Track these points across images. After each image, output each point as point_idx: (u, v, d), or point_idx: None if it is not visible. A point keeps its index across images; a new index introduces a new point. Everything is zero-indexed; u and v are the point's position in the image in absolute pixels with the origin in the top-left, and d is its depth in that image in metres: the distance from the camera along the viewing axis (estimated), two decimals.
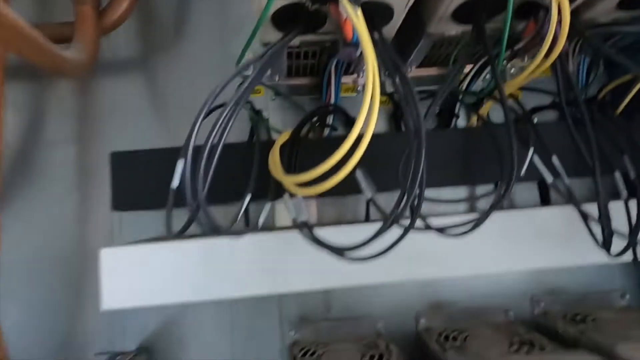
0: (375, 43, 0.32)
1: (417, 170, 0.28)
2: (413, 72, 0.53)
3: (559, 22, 0.31)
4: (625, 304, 0.52)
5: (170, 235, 0.29)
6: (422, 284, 0.52)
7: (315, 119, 0.46)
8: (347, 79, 0.54)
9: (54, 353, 0.49)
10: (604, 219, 0.34)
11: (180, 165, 0.33)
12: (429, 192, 0.47)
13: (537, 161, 0.36)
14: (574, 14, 0.39)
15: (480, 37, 0.35)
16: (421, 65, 0.52)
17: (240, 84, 0.43)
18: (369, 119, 0.28)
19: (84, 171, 0.52)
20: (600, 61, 0.53)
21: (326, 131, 0.50)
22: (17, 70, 0.53)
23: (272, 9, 0.31)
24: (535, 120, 0.54)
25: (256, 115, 0.47)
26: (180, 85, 0.55)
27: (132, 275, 0.39)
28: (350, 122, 0.52)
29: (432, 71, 0.54)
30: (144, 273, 0.39)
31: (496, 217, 0.41)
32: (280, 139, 0.40)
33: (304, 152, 0.40)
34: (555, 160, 0.37)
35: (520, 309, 0.52)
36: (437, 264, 0.40)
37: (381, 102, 0.55)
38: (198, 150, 0.28)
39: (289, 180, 0.32)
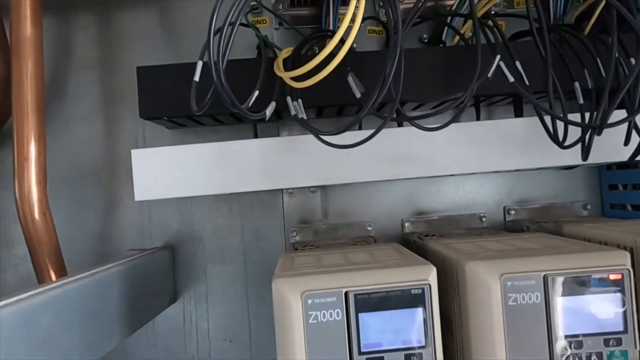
0: None
1: (395, 53, 0.34)
2: (404, 3, 0.58)
3: None
4: (587, 214, 0.59)
5: (194, 110, 0.36)
6: (406, 194, 0.60)
7: (313, 41, 0.51)
8: (344, 10, 0.59)
9: (94, 248, 0.58)
10: (556, 112, 0.40)
11: (200, 65, 0.39)
12: (413, 111, 0.54)
13: (503, 66, 0.42)
14: None
15: None
16: None
17: (248, 11, 0.49)
18: (356, 14, 0.34)
19: (109, 92, 0.59)
20: None
21: None
22: (45, 3, 0.58)
23: None
24: None
25: (263, 36, 0.53)
26: (190, 10, 0.60)
27: (159, 172, 0.47)
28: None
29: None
30: (168, 170, 0.47)
31: (469, 125, 0.48)
32: (283, 54, 0.45)
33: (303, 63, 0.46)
34: (518, 65, 0.43)
35: (494, 216, 0.60)
36: (417, 165, 0.47)
37: (375, 32, 0.60)
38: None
39: (288, 75, 0.38)
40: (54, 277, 0.49)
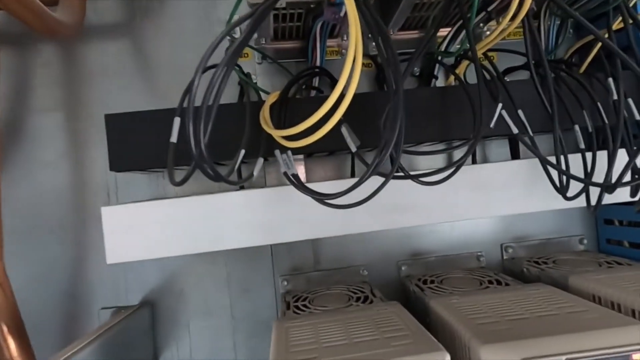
0: (358, 3, 0.34)
1: (396, 120, 0.30)
2: (395, 35, 0.56)
3: None
4: (584, 248, 0.58)
5: (174, 183, 0.32)
6: (402, 235, 0.57)
7: (301, 81, 0.48)
8: (332, 42, 0.56)
9: (62, 309, 0.52)
10: (561, 166, 0.38)
11: (177, 122, 0.35)
12: (409, 149, 0.51)
13: (505, 115, 0.40)
14: None
15: None
16: (403, 28, 0.54)
17: (229, 46, 0.45)
18: (352, 74, 0.30)
19: (75, 136, 0.53)
20: (569, 23, 0.56)
21: (312, 93, 0.52)
22: (1, 38, 0.52)
23: None
24: (508, 80, 0.57)
25: (245, 77, 0.49)
26: (166, 47, 0.55)
27: (133, 230, 0.42)
28: (335, 84, 0.55)
29: (413, 34, 0.56)
30: (143, 228, 0.42)
31: (469, 169, 0.45)
32: (270, 99, 0.42)
33: (292, 110, 0.42)
34: (520, 113, 0.41)
35: (492, 255, 0.58)
36: (416, 213, 0.44)
37: (365, 65, 0.57)
38: (194, 108, 0.30)
39: (279, 134, 0.34)
40: (15, 353, 0.43)
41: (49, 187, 0.53)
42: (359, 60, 0.31)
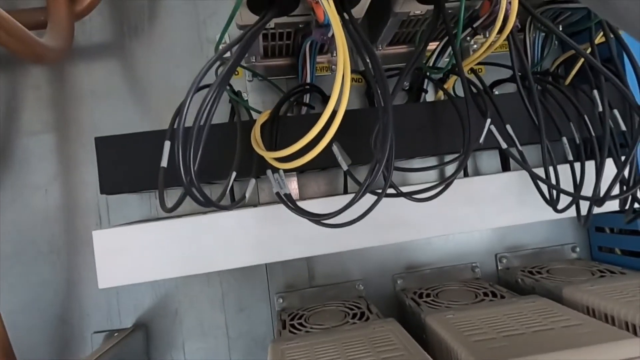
0: (345, 23, 0.35)
1: (386, 140, 0.31)
2: (383, 50, 0.56)
3: (509, 2, 0.34)
4: (576, 256, 0.58)
5: (165, 210, 0.31)
6: (397, 249, 0.57)
7: (292, 98, 0.48)
8: (321, 59, 0.56)
9: (53, 334, 0.51)
10: (550, 179, 0.39)
11: (167, 146, 0.35)
12: (401, 164, 0.51)
13: (494, 130, 0.40)
14: None
15: (440, 16, 0.38)
16: (391, 43, 0.55)
17: (219, 65, 0.45)
18: (342, 95, 0.31)
19: (65, 158, 0.53)
20: (554, 36, 0.57)
21: (304, 109, 0.52)
22: None
23: None
24: (496, 93, 0.58)
25: (236, 96, 0.49)
26: (156, 67, 0.55)
27: (124, 254, 0.41)
28: (326, 100, 0.55)
29: (401, 49, 0.57)
30: (135, 251, 0.41)
31: (460, 182, 0.45)
32: (261, 118, 0.42)
33: (284, 129, 0.42)
34: (508, 128, 0.41)
35: (486, 265, 0.58)
36: (410, 228, 0.44)
37: (355, 80, 0.58)
38: (185, 131, 0.30)
39: (270, 156, 0.34)
40: None
41: (39, 209, 0.52)
42: (348, 82, 0.31)
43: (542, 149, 0.39)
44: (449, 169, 0.59)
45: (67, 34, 0.42)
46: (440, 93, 0.52)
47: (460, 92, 0.55)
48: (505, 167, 0.54)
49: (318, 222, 0.35)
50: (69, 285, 0.52)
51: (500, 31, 0.36)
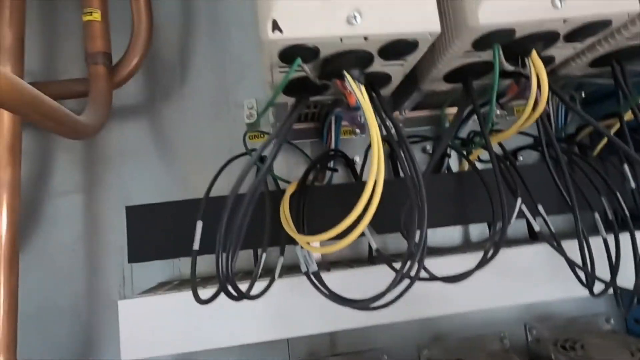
0: (374, 104, 0.36)
1: (422, 237, 0.30)
2: (407, 114, 0.57)
3: (539, 87, 0.35)
4: (610, 328, 0.55)
5: (199, 302, 0.31)
6: (421, 319, 0.55)
7: (319, 166, 0.49)
8: (346, 122, 0.58)
9: None
10: (587, 265, 0.37)
11: (199, 227, 0.35)
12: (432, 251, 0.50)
13: (525, 210, 0.40)
14: (551, 70, 0.44)
15: (469, 95, 0.39)
16: (415, 108, 0.56)
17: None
18: (376, 186, 0.31)
19: (92, 219, 0.54)
20: (577, 100, 0.58)
21: (328, 173, 0.53)
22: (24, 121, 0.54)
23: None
24: (520, 158, 0.58)
25: (262, 164, 0.50)
26: (185, 129, 0.57)
27: (149, 325, 0.41)
28: (349, 164, 0.56)
29: (425, 113, 0.58)
30: (160, 323, 0.41)
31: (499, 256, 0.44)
32: (289, 190, 0.42)
33: (311, 200, 0.42)
34: (540, 209, 0.41)
35: (515, 336, 0.55)
36: (437, 304, 0.43)
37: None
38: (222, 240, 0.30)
39: (302, 240, 0.34)
40: None
41: (64, 269, 0.52)
42: (382, 170, 0.31)
43: (577, 232, 0.38)
44: (474, 235, 0.58)
45: (105, 108, 0.44)
46: (464, 164, 0.52)
47: (483, 155, 0.55)
48: (533, 234, 0.53)
49: (348, 306, 0.35)
50: (88, 348, 0.51)
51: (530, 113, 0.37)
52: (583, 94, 0.54)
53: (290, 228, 0.37)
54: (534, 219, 0.42)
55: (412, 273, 0.34)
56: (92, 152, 0.56)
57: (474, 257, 0.39)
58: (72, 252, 0.53)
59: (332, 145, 0.52)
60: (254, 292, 0.36)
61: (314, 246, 0.34)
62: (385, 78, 0.37)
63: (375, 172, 0.30)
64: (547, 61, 0.38)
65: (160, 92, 0.58)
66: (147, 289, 0.46)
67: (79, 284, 0.52)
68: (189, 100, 0.58)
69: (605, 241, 0.42)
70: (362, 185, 0.40)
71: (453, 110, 0.55)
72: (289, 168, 0.57)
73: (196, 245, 0.33)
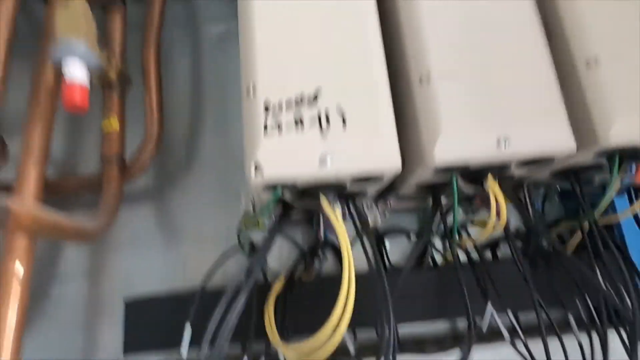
0: (352, 218, 0.40)
1: (389, 333, 0.33)
2: (393, 205, 0.61)
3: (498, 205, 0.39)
4: None
5: None
6: None
7: (307, 257, 0.52)
8: None
9: None
10: None
11: (188, 331, 0.38)
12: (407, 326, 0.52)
13: (496, 317, 0.42)
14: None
15: (436, 206, 0.43)
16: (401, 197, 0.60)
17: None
18: (348, 301, 0.34)
19: (94, 304, 0.57)
20: (553, 191, 0.61)
21: (316, 262, 0.56)
22: None
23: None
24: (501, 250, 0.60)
25: (252, 254, 0.53)
26: (189, 217, 0.61)
27: None
28: (337, 252, 0.59)
29: (410, 204, 0.62)
30: None
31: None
32: (275, 290, 0.45)
33: (296, 299, 0.45)
34: (510, 314, 0.43)
35: None
36: None
37: None
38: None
39: (285, 350, 0.37)
40: None
41: (65, 350, 0.55)
42: (352, 290, 0.34)
43: (540, 333, 0.40)
44: (462, 323, 0.59)
45: (114, 209, 0.49)
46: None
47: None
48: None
49: None
50: None
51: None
52: (559, 188, 0.57)
53: (272, 332, 0.39)
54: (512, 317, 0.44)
55: None
56: (99, 239, 0.60)
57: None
58: (73, 336, 0.55)
59: (321, 236, 0.56)
60: None
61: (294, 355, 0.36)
62: (363, 195, 0.42)
63: (346, 293, 0.33)
64: (507, 178, 0.42)
65: (168, 181, 0.64)
66: None
67: None
68: (193, 189, 0.63)
69: (580, 347, 0.43)
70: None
71: None
72: (279, 250, 0.60)
73: (184, 353, 0.36)
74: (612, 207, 0.52)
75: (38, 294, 0.57)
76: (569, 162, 0.41)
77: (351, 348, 0.39)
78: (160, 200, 0.63)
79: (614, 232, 0.54)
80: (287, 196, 0.37)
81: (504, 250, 0.60)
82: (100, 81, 0.54)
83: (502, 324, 0.41)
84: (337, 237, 0.41)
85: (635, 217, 0.48)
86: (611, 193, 0.38)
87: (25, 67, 0.56)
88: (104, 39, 0.58)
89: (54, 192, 0.54)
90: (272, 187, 0.35)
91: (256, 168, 0.32)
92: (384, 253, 0.59)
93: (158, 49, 0.60)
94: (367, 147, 0.34)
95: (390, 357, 0.34)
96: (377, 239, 0.61)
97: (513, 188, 0.59)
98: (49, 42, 0.53)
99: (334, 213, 0.36)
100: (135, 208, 0.62)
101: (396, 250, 0.60)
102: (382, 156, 0.34)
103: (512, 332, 0.42)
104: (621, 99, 0.35)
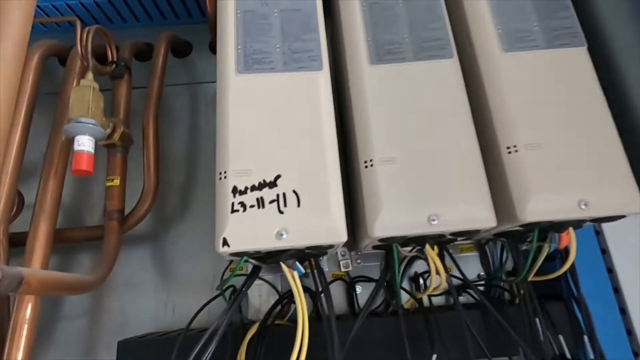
0: (313, 274, 0.46)
1: None
2: (364, 251, 0.67)
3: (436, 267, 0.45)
4: None
5: None
6: None
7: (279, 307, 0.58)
8: None
9: None
10: None
11: None
12: None
13: None
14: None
15: (388, 264, 0.49)
16: None
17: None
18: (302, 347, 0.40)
19: (91, 342, 0.63)
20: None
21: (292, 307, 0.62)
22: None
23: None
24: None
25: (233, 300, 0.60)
26: (181, 261, 0.68)
27: None
28: (312, 296, 0.65)
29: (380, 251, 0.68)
30: None
31: None
32: (249, 334, 0.51)
33: (269, 342, 0.51)
34: None
35: None
36: None
37: (339, 277, 0.68)
38: None
39: None
40: None
41: None
42: (305, 340, 0.41)
43: None
44: None
45: (114, 259, 0.57)
46: (412, 301, 0.60)
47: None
48: None
49: None
50: None
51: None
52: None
53: None
54: None
55: None
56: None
57: None
58: None
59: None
60: None
61: None
62: (322, 253, 0.48)
63: (299, 343, 0.39)
64: (452, 241, 0.49)
65: (163, 227, 0.71)
66: None
67: None
68: (187, 234, 0.71)
69: None
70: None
71: None
72: (261, 295, 0.66)
73: None
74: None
75: (45, 334, 0.64)
76: (502, 230, 0.47)
77: None
78: (156, 245, 0.70)
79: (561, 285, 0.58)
80: (254, 260, 0.43)
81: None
82: (105, 144, 0.62)
83: None
84: (295, 295, 0.48)
85: None
86: (533, 259, 0.44)
87: (44, 122, 0.65)
88: (110, 106, 0.67)
89: (61, 241, 0.62)
90: (240, 255, 0.41)
91: (224, 243, 0.39)
92: (354, 297, 0.65)
93: (157, 112, 0.68)
94: (318, 223, 0.40)
95: None
96: (349, 284, 0.67)
97: (477, 241, 0.65)
98: (64, 108, 0.62)
99: (292, 275, 0.43)
100: (133, 251, 0.69)
101: (366, 294, 0.66)
102: (331, 230, 0.40)
103: None
104: (537, 181, 0.42)
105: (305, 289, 0.62)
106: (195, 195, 0.73)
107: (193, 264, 0.68)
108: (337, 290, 0.67)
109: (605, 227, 0.60)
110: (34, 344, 0.52)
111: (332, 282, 0.66)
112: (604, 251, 0.60)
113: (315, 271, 0.47)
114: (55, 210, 0.58)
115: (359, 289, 0.66)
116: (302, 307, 0.41)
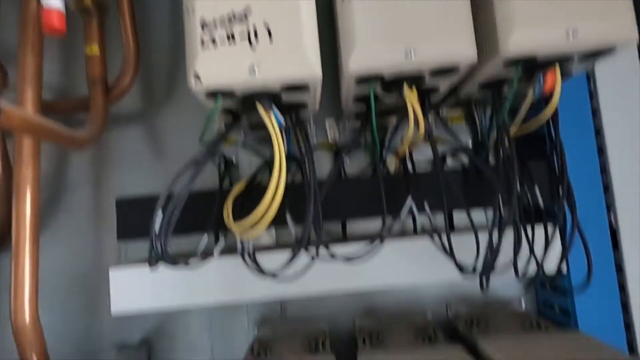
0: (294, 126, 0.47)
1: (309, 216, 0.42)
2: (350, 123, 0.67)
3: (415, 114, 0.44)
4: (524, 310, 0.64)
5: (150, 265, 0.44)
6: (359, 294, 0.66)
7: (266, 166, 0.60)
8: None
9: (79, 345, 0.65)
10: (451, 251, 0.47)
11: (159, 215, 0.48)
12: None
13: (414, 210, 0.50)
14: (452, 91, 0.53)
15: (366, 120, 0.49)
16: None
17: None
18: (277, 189, 0.42)
19: (98, 208, 0.68)
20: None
21: None
22: None
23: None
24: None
25: (224, 167, 0.62)
26: (174, 133, 0.70)
27: (133, 288, 0.55)
28: (299, 164, 0.66)
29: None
30: (142, 287, 0.55)
31: (391, 244, 0.54)
32: (235, 190, 0.54)
33: (252, 199, 0.54)
34: (426, 206, 0.50)
35: (438, 312, 0.65)
36: (352, 279, 0.54)
37: (327, 147, 0.69)
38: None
39: (233, 228, 0.46)
40: None
41: (76, 250, 0.67)
42: (283, 172, 0.43)
43: (445, 226, 0.48)
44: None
45: (101, 123, 0.58)
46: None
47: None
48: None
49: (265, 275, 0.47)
50: (93, 306, 0.66)
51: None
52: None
53: (228, 218, 0.49)
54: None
55: (314, 254, 0.45)
56: (99, 153, 0.70)
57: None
58: (82, 234, 0.67)
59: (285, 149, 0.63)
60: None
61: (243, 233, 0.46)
62: (301, 104, 0.48)
63: (277, 180, 0.41)
64: (434, 89, 0.47)
65: (152, 102, 0.71)
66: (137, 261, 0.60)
67: (88, 259, 0.67)
68: (176, 108, 0.71)
69: (490, 233, 0.51)
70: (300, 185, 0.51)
71: None
72: (252, 166, 0.68)
73: (156, 227, 0.46)
74: None
75: (51, 201, 0.68)
76: (487, 75, 0.46)
77: (292, 231, 0.49)
78: (148, 122, 0.71)
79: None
80: (231, 105, 0.43)
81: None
82: (77, 6, 0.59)
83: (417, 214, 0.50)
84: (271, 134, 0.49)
85: None
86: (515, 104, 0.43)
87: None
88: None
89: (49, 113, 0.63)
90: (213, 95, 0.41)
91: (196, 77, 0.39)
92: (342, 165, 0.67)
93: None
94: (291, 58, 0.39)
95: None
96: (336, 153, 0.68)
97: (465, 107, 0.64)
98: None
99: (268, 116, 0.43)
100: (126, 130, 0.71)
101: (355, 162, 0.68)
102: (304, 65, 0.39)
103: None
104: (522, 10, 0.39)
105: (292, 157, 0.65)
106: (182, 77, 0.72)
107: (183, 138, 0.70)
108: (325, 161, 0.69)
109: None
110: (39, 198, 0.56)
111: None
112: (595, 112, 0.59)
113: (299, 130, 0.47)
114: (38, 77, 0.57)
115: (347, 160, 0.68)
116: (278, 144, 0.42)
